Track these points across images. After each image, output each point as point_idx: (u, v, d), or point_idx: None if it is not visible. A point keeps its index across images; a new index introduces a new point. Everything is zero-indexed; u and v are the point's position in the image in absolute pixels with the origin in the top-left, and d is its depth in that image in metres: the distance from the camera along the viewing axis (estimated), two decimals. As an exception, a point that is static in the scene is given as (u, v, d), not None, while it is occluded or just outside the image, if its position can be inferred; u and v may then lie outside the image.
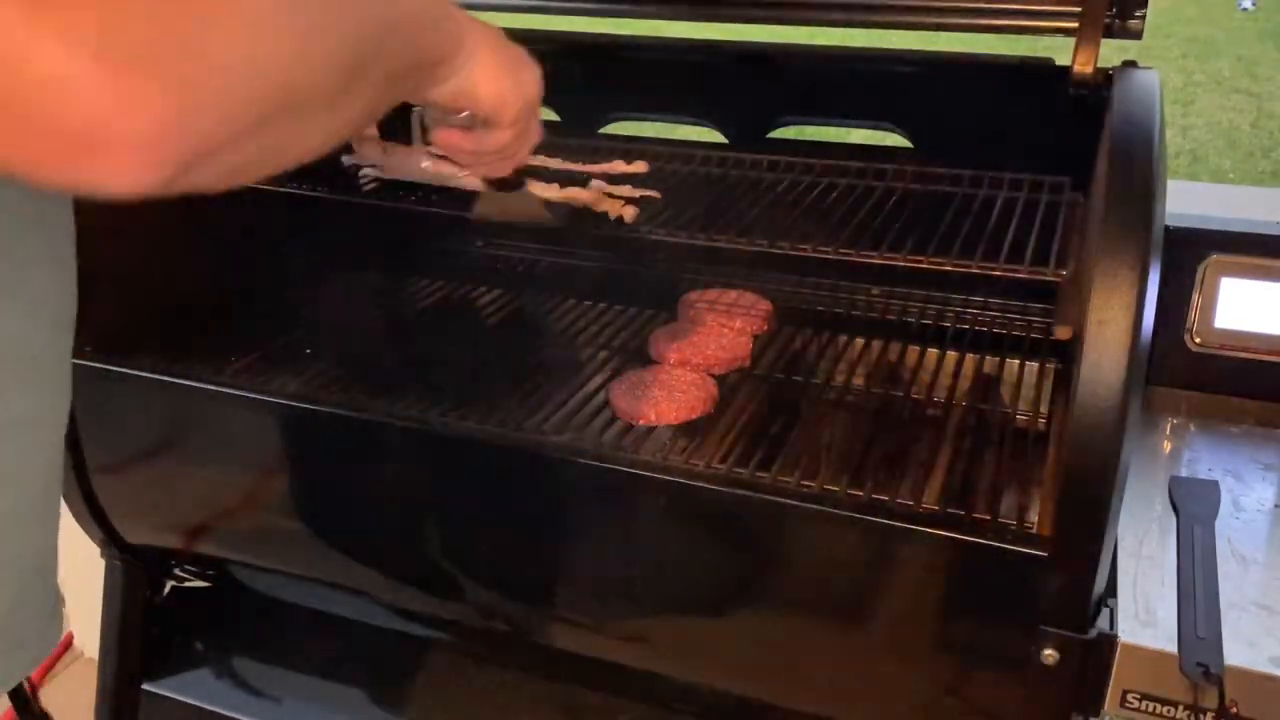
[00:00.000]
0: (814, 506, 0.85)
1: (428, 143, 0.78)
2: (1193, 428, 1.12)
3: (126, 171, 0.40)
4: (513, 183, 0.93)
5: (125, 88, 0.38)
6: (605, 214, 1.06)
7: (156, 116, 0.40)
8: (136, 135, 0.39)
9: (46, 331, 0.62)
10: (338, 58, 0.49)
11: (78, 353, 0.66)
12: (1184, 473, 1.02)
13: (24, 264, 0.59)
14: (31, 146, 0.39)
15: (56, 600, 0.70)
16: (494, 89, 0.69)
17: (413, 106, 0.78)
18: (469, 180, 1.08)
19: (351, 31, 0.50)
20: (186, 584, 1.33)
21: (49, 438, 0.64)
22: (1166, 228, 1.04)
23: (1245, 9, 8.96)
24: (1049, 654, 0.79)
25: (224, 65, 0.42)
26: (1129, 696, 0.81)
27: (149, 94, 0.39)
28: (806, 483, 0.88)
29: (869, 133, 1.33)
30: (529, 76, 0.73)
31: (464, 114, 0.72)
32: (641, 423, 1.04)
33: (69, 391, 0.66)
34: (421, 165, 1.12)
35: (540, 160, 1.15)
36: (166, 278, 1.21)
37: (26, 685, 0.84)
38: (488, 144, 0.75)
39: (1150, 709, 0.81)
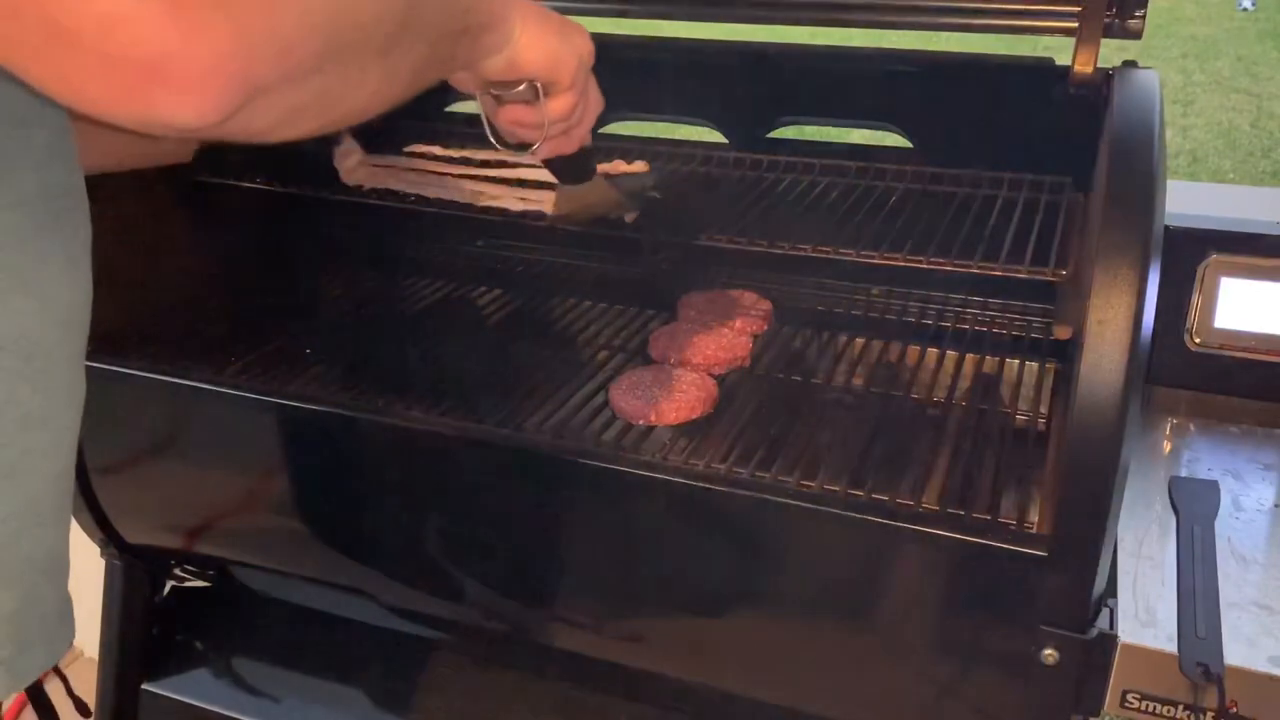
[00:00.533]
0: (814, 506, 0.85)
1: (497, 136, 0.79)
2: (1193, 428, 1.12)
3: (189, 103, 0.42)
4: (583, 170, 0.92)
5: (187, 19, 0.40)
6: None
7: (218, 47, 0.41)
8: (199, 64, 0.41)
9: (59, 330, 0.61)
10: (388, 5, 0.52)
11: (77, 352, 0.66)
12: (1184, 473, 1.02)
13: (39, 262, 0.59)
14: (97, 80, 0.41)
15: (66, 603, 0.69)
16: (545, 51, 0.71)
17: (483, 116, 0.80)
18: (532, 201, 1.09)
19: None
20: (186, 584, 1.33)
21: (60, 438, 0.64)
22: (1166, 228, 1.04)
23: (1245, 9, 8.94)
24: (1049, 654, 0.79)
25: (281, 1, 0.44)
26: (1129, 696, 0.81)
27: (211, 25, 0.41)
28: (806, 483, 0.88)
29: (869, 133, 1.33)
30: (578, 37, 0.75)
31: (522, 86, 0.73)
32: (641, 423, 1.04)
33: (81, 393, 0.66)
34: (479, 188, 1.13)
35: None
36: (166, 277, 1.22)
37: None
38: (551, 112, 0.76)
39: (1150, 709, 0.81)
